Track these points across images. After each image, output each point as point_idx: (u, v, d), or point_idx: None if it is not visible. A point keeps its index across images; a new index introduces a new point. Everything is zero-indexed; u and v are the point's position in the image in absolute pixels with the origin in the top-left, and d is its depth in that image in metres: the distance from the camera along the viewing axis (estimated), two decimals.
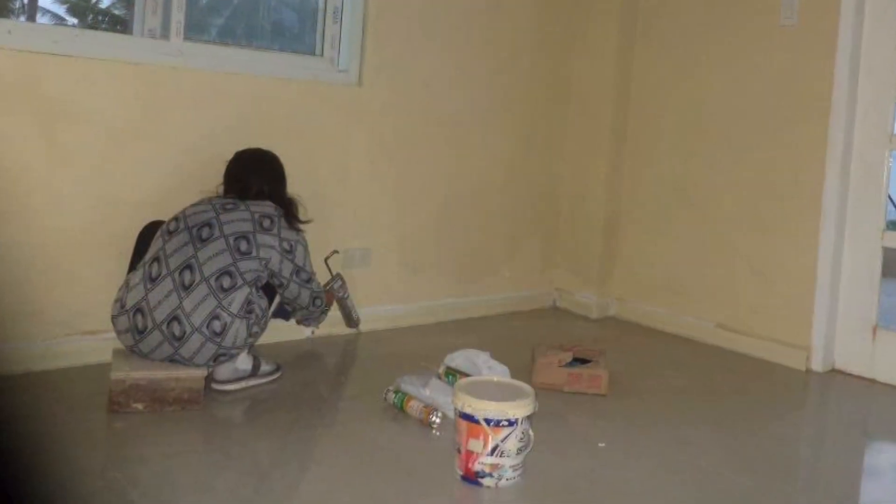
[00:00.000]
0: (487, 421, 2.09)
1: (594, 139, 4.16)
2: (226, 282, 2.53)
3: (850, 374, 3.40)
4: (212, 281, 2.51)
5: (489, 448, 2.09)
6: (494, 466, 2.11)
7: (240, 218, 2.64)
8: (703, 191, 3.83)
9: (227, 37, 3.37)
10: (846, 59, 3.31)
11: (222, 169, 2.83)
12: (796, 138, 3.48)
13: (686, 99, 3.91)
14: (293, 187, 2.91)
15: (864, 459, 2.65)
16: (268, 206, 2.71)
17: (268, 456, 2.25)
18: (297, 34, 3.62)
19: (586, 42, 4.19)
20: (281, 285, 2.72)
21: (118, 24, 3.19)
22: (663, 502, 2.15)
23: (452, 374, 2.74)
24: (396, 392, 2.62)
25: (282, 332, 3.20)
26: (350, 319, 3.37)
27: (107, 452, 2.27)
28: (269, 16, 3.52)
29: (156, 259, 2.57)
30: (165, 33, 3.04)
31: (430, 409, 2.50)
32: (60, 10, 3.13)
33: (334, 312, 3.25)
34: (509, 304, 4.13)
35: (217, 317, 2.50)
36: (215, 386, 2.68)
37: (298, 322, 3.06)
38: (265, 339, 2.90)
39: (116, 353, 2.61)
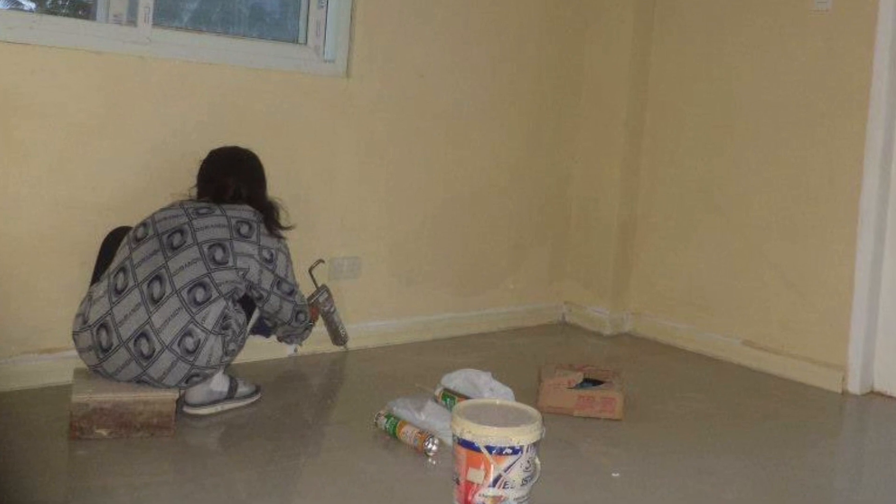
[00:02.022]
0: (489, 448, 2.10)
1: (608, 135, 4.19)
2: (199, 294, 2.55)
3: (890, 397, 3.42)
4: (184, 293, 2.53)
5: (491, 478, 2.11)
6: (497, 499, 2.12)
7: (215, 224, 2.66)
8: (728, 193, 3.86)
9: (200, 23, 3.39)
10: (886, 46, 3.35)
11: (195, 169, 2.85)
12: (831, 135, 3.51)
13: (709, 91, 3.94)
14: (274, 190, 2.93)
15: None
16: (246, 211, 2.74)
17: (246, 487, 2.27)
18: (278, 20, 3.65)
19: (599, 27, 4.23)
20: (260, 298, 2.74)
21: (80, 8, 3.21)
22: None
23: (450, 396, 2.77)
24: (388, 416, 2.64)
25: (261, 349, 3.21)
26: (337, 336, 3.39)
27: (68, 483, 2.29)
28: None
29: (122, 269, 2.59)
30: (132, 19, 3.06)
31: (426, 435, 2.51)
32: None
33: (319, 328, 3.27)
34: (513, 320, 4.15)
35: (189, 333, 2.52)
36: (188, 410, 2.70)
37: (280, 339, 3.07)
38: (243, 357, 2.92)
39: (78, 373, 2.63)
